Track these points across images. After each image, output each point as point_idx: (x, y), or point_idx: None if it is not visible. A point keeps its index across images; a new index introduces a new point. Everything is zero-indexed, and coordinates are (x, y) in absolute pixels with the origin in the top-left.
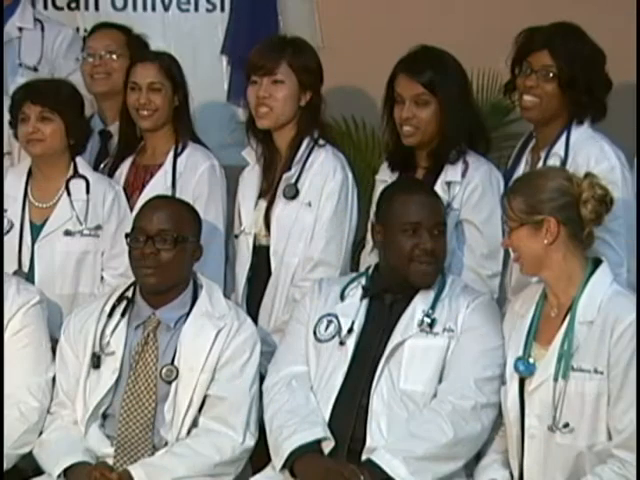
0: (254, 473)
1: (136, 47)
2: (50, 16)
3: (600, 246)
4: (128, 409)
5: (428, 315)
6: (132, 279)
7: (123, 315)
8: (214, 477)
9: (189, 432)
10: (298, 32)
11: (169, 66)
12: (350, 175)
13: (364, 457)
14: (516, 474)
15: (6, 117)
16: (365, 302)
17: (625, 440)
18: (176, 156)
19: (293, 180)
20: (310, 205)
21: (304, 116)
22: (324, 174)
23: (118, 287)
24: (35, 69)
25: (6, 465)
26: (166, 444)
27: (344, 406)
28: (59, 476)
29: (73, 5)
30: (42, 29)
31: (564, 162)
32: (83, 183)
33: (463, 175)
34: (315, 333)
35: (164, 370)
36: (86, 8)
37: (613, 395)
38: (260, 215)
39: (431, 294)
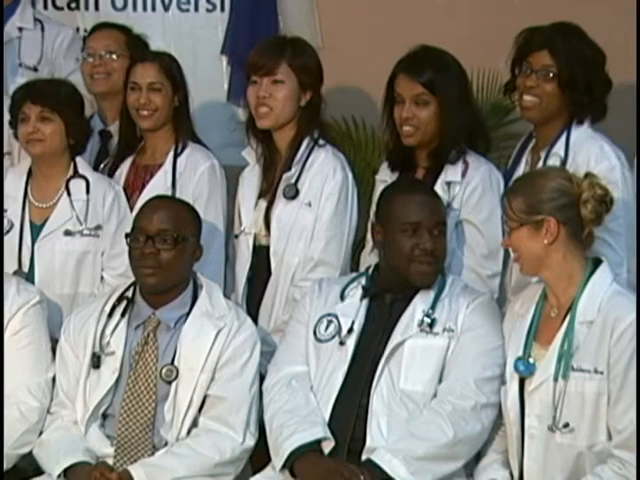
0: (254, 473)
1: (136, 47)
2: (50, 16)
3: (600, 246)
4: (128, 409)
5: (428, 315)
6: (132, 279)
7: (123, 315)
8: (214, 477)
9: (189, 432)
10: (298, 32)
11: (169, 66)
12: (350, 175)
13: (364, 457)
14: (516, 474)
15: (6, 117)
16: (365, 302)
17: (625, 440)
18: (176, 156)
19: (293, 180)
20: (310, 205)
21: (304, 116)
22: (324, 174)
23: (118, 287)
24: (35, 69)
25: (6, 465)
26: (166, 444)
27: (344, 406)
28: (59, 476)
29: (73, 5)
30: (42, 29)
31: (564, 162)
32: (83, 183)
33: (463, 175)
34: (315, 333)
35: (164, 370)
36: (86, 8)
37: (613, 395)
38: (260, 215)
39: (431, 294)
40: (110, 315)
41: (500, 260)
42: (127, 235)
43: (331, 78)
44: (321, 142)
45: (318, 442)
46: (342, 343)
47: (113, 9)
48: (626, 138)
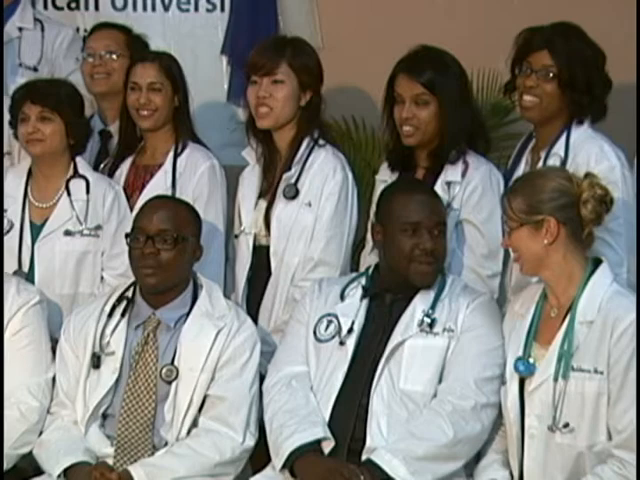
0: (254, 473)
1: (136, 47)
2: (50, 16)
3: (600, 246)
4: (128, 409)
5: (428, 315)
6: (132, 279)
7: (123, 315)
8: (214, 477)
9: (189, 432)
10: (298, 32)
11: (169, 66)
12: (350, 175)
13: (364, 457)
14: (516, 474)
15: (6, 117)
16: (365, 302)
17: (625, 440)
18: (176, 156)
19: (293, 180)
20: (310, 205)
21: (304, 116)
22: (324, 174)
23: (118, 287)
24: (35, 69)
25: (6, 465)
26: (166, 444)
27: (344, 406)
28: (59, 476)
29: (73, 5)
30: (42, 29)
31: (564, 162)
32: (83, 183)
33: (463, 175)
34: (315, 333)
35: (164, 370)
36: (86, 8)
37: (613, 395)
38: (260, 215)
39: (431, 294)
40: (110, 315)
41: (500, 260)
42: (127, 235)
43: (331, 78)
44: (321, 142)
45: (318, 442)
46: (342, 343)
47: (113, 9)
48: (626, 138)
